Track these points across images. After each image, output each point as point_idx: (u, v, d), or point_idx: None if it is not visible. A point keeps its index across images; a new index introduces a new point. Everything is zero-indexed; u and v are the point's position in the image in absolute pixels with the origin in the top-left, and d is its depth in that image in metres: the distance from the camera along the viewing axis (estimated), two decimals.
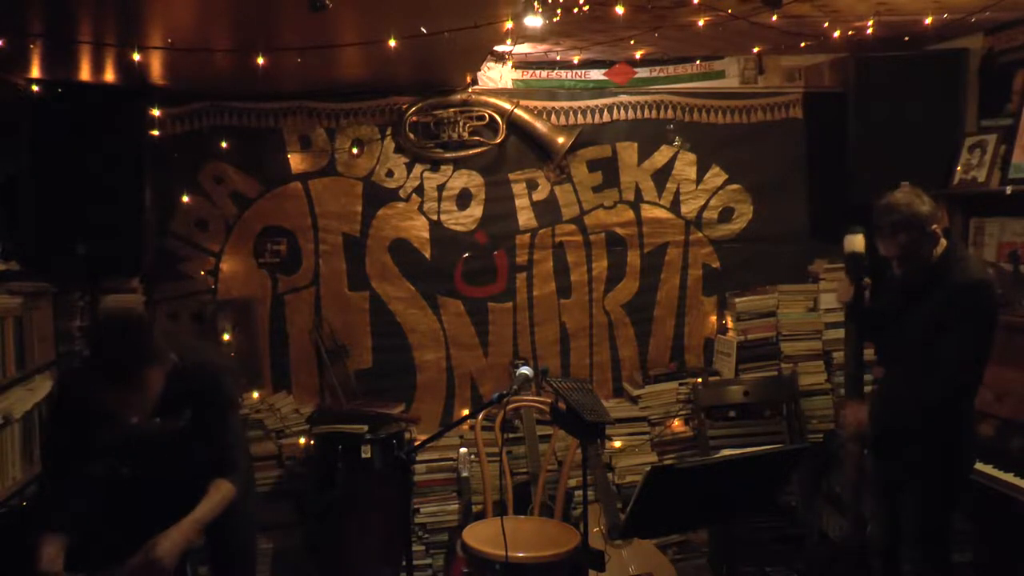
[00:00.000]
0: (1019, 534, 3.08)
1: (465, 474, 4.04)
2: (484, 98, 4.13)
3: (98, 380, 2.27)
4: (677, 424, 4.26)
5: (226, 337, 4.02)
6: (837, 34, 3.64)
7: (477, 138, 4.14)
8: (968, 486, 3.01)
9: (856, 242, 3.06)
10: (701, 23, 3.30)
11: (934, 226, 2.83)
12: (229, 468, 2.54)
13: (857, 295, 3.07)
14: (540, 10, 2.99)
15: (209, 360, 2.58)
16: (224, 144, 3.99)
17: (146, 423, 2.42)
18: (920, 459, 2.90)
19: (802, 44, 3.87)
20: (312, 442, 3.87)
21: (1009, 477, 3.04)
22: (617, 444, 4.18)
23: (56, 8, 2.59)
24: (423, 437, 3.24)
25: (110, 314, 2.32)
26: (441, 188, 4.19)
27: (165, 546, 2.31)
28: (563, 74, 4.19)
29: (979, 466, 3.14)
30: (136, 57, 3.05)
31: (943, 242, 2.88)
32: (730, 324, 4.38)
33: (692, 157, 4.33)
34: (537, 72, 4.19)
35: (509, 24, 2.98)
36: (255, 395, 4.07)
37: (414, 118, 4.08)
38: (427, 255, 4.21)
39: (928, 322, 2.83)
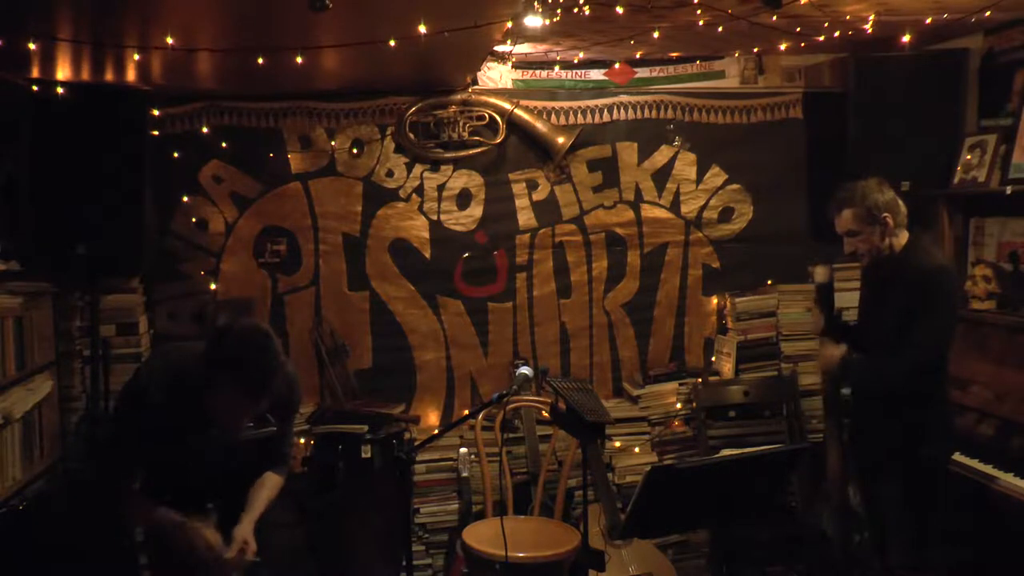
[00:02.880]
0: (1019, 534, 3.08)
1: (465, 474, 4.04)
2: (484, 98, 4.13)
3: (235, 395, 2.28)
4: (677, 423, 4.25)
5: None
6: (837, 34, 3.64)
7: (477, 138, 4.14)
8: (944, 479, 3.05)
9: (820, 273, 3.17)
10: (701, 23, 3.30)
11: (885, 215, 2.93)
12: (282, 462, 2.72)
13: (829, 324, 3.14)
14: (540, 10, 2.99)
15: (290, 369, 2.60)
16: (224, 144, 4.00)
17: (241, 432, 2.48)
18: (890, 452, 2.95)
19: (802, 44, 3.88)
20: (312, 442, 3.87)
21: (1009, 477, 3.04)
22: (617, 444, 4.18)
23: (56, 8, 2.59)
24: (423, 437, 3.24)
25: (259, 333, 2.33)
26: (441, 188, 4.19)
27: (244, 529, 2.48)
28: (563, 74, 4.19)
29: (978, 465, 3.15)
30: (136, 57, 3.06)
31: (905, 235, 2.99)
32: (730, 324, 4.38)
33: (692, 157, 4.33)
34: (537, 72, 4.19)
35: (509, 24, 2.98)
36: None
37: (414, 118, 4.08)
38: (427, 255, 4.21)
39: (895, 309, 2.92)
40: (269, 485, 2.66)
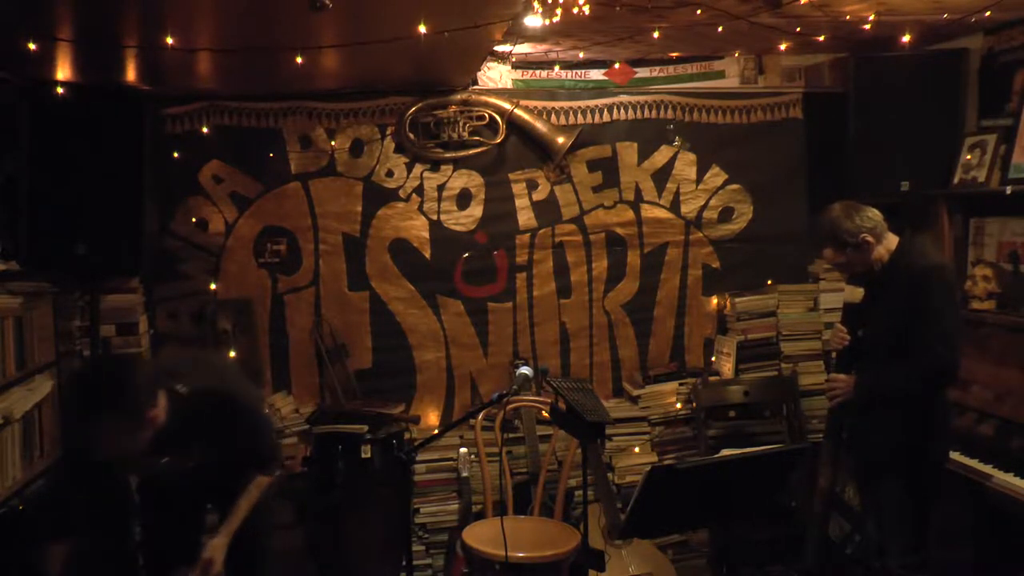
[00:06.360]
0: (1019, 534, 3.09)
1: (465, 474, 4.04)
2: (484, 98, 4.12)
3: (84, 431, 2.30)
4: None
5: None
6: (837, 34, 3.64)
7: (477, 138, 4.14)
8: (941, 478, 3.06)
9: (852, 293, 3.15)
10: (701, 23, 3.30)
11: (863, 236, 2.95)
12: (267, 466, 2.71)
13: (852, 344, 3.11)
14: (540, 10, 2.99)
15: (217, 386, 2.56)
16: (224, 144, 3.99)
17: (154, 463, 2.46)
18: (892, 452, 2.95)
19: (802, 44, 3.87)
20: (312, 442, 3.87)
21: (1009, 477, 3.04)
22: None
23: (56, 8, 2.59)
24: (423, 437, 3.24)
25: (83, 369, 2.33)
26: (441, 188, 4.19)
27: (214, 546, 2.51)
28: (563, 74, 4.19)
29: (978, 465, 3.15)
30: (136, 57, 3.06)
31: (893, 239, 3.00)
32: (730, 324, 4.38)
33: (692, 157, 4.33)
34: (537, 72, 4.19)
35: (509, 24, 2.98)
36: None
37: (414, 118, 4.08)
38: (427, 255, 4.20)
39: (893, 311, 2.92)
40: (253, 490, 2.66)
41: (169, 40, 2.84)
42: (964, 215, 3.84)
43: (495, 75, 4.15)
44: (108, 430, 2.24)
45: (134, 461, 2.40)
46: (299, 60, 3.12)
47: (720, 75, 4.31)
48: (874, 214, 3.00)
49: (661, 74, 4.27)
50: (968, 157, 3.74)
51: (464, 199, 4.21)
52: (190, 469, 2.50)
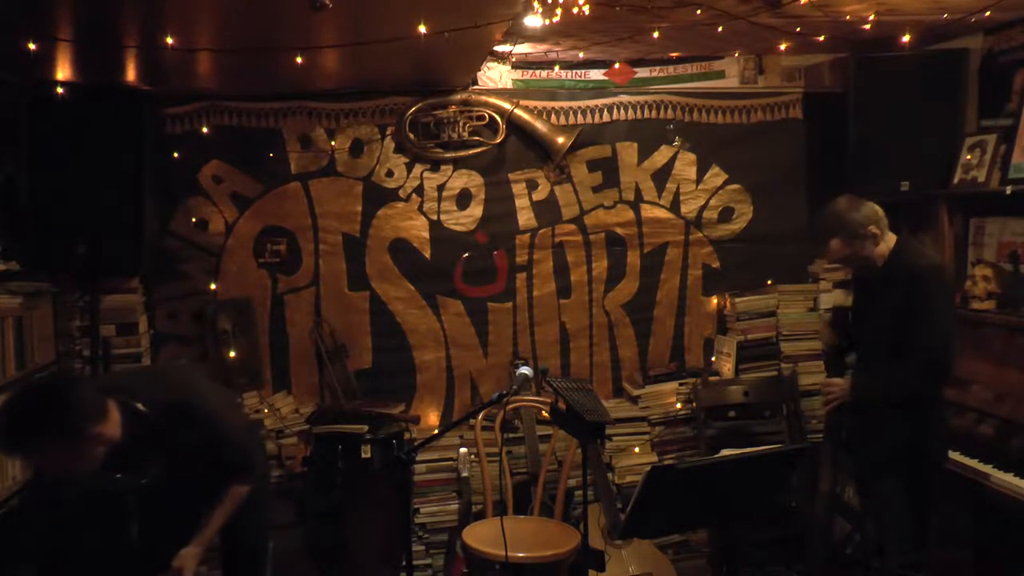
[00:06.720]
0: (1019, 535, 3.09)
1: (465, 474, 4.04)
2: (484, 98, 4.12)
3: (27, 455, 2.34)
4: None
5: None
6: (837, 34, 3.64)
7: (477, 138, 4.14)
8: (940, 478, 3.07)
9: (838, 296, 3.21)
10: (701, 23, 3.30)
11: (870, 227, 2.96)
12: (242, 474, 2.67)
13: (840, 345, 3.15)
14: (540, 10, 2.99)
15: (178, 401, 2.53)
16: (224, 144, 3.99)
17: (107, 479, 2.44)
18: (891, 452, 2.96)
19: (802, 44, 3.87)
20: (312, 442, 3.87)
21: (1008, 477, 3.04)
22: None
23: (56, 8, 2.59)
24: (423, 437, 3.24)
25: (20, 393, 2.31)
26: (441, 188, 4.19)
27: (184, 555, 2.51)
28: (563, 74, 4.19)
29: (978, 465, 3.15)
30: (136, 57, 3.06)
31: (892, 237, 3.01)
32: (730, 324, 4.38)
33: (692, 157, 4.33)
34: (537, 72, 4.19)
35: (509, 24, 2.98)
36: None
37: (414, 118, 4.08)
38: (427, 255, 4.21)
39: (890, 310, 2.93)
40: (229, 500, 2.65)
41: (169, 40, 2.84)
42: (964, 215, 3.84)
43: (495, 75, 4.15)
44: (49, 452, 2.24)
45: (85, 478, 2.38)
46: (299, 60, 3.12)
47: (720, 75, 4.31)
48: (876, 208, 3.01)
49: (661, 74, 4.27)
50: (968, 157, 3.74)
51: (464, 199, 4.21)
52: (178, 476, 2.51)
